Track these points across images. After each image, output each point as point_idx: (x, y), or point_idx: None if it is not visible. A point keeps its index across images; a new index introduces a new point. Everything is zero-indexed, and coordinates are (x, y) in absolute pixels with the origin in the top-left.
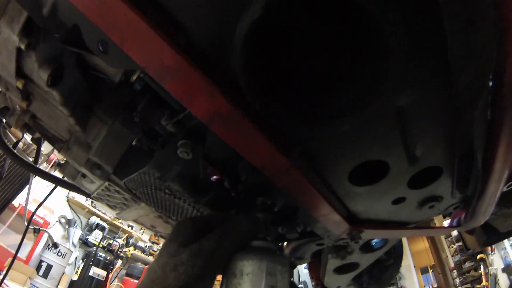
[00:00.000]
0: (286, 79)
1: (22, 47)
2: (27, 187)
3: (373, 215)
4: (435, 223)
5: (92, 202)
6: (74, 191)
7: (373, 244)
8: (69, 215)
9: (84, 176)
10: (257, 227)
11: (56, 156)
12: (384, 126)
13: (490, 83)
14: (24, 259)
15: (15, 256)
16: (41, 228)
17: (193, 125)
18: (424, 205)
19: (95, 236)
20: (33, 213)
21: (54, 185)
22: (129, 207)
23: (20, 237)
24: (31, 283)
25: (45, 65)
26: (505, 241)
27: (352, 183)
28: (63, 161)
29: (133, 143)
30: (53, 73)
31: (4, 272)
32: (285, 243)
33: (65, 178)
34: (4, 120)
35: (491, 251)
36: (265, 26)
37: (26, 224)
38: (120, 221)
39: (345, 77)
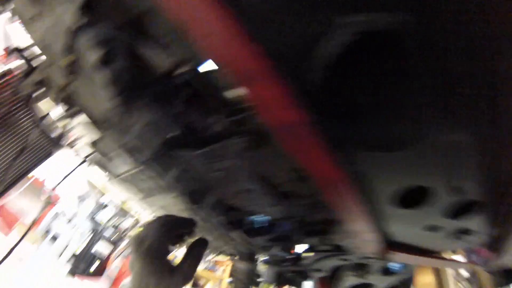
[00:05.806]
0: (353, 106)
1: (78, 25)
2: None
3: (402, 238)
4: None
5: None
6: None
7: (393, 268)
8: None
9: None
10: None
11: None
12: (432, 156)
13: None
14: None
15: (30, 227)
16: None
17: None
18: (455, 235)
19: (104, 215)
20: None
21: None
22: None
23: (30, 204)
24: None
25: (98, 45)
26: None
27: (394, 205)
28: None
29: (171, 134)
30: (104, 55)
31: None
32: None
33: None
34: (36, 93)
35: None
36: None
37: (45, 198)
38: (129, 205)
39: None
